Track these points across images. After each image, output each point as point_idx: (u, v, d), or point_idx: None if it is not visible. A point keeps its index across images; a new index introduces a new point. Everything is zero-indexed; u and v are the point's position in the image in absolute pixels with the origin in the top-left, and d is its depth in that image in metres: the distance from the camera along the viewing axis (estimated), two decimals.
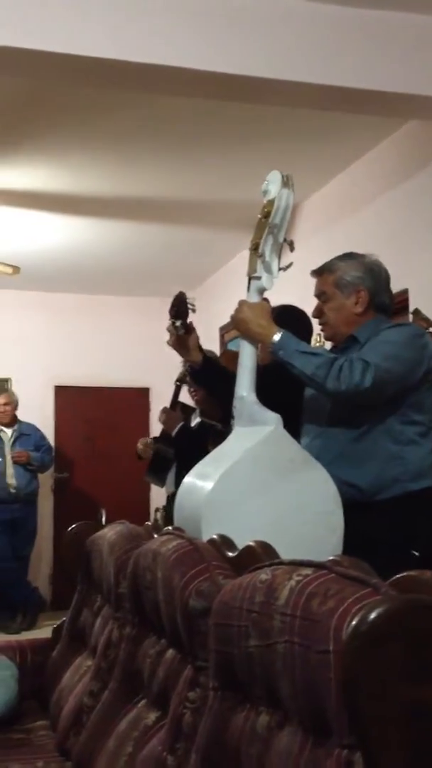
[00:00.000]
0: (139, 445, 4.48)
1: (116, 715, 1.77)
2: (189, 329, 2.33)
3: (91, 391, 7.17)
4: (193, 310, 2.33)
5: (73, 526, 2.58)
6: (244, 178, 4.48)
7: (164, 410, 4.20)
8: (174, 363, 6.46)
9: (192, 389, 4.16)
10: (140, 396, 7.30)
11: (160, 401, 7.21)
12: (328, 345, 2.51)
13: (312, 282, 2.38)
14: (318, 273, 2.35)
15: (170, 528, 1.96)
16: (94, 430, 7.19)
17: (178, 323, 2.30)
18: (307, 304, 3.11)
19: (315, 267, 2.38)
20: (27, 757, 1.96)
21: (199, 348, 2.40)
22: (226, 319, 5.80)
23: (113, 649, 1.94)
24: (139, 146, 4.18)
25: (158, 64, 2.86)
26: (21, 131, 3.99)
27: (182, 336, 2.33)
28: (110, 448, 7.15)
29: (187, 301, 2.32)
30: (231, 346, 5.83)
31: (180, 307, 2.31)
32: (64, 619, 2.51)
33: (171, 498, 4.13)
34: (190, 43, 2.89)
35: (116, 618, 1.99)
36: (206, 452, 3.24)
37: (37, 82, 3.49)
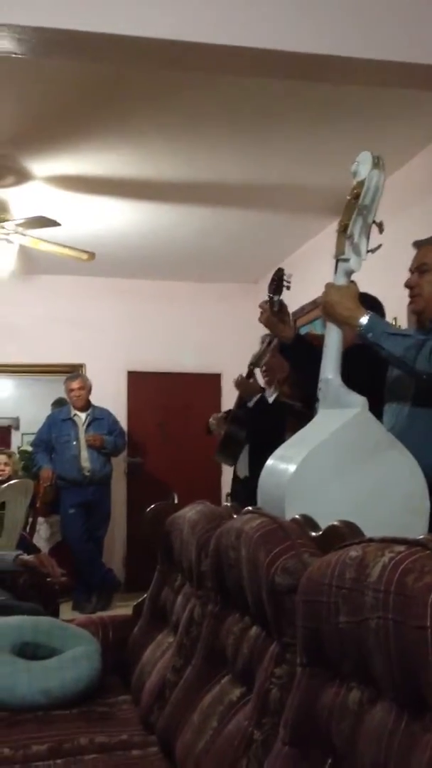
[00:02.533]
0: (212, 420, 4.51)
1: (200, 690, 1.79)
2: (282, 306, 2.36)
3: (164, 376, 7.23)
4: (288, 288, 2.35)
5: (153, 506, 2.61)
6: (322, 161, 4.44)
7: (242, 379, 4.19)
8: (246, 349, 6.49)
9: (264, 371, 4.16)
10: (212, 381, 7.33)
11: (231, 387, 7.24)
12: None
13: (392, 261, 2.35)
14: (421, 244, 2.33)
15: (251, 508, 1.97)
16: (166, 415, 7.25)
17: (276, 299, 2.33)
18: (381, 283, 3.08)
19: (392, 247, 2.36)
20: (111, 729, 2.00)
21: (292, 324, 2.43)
22: (298, 305, 5.80)
23: (196, 626, 1.96)
24: (215, 129, 4.16)
25: (236, 45, 2.84)
26: (96, 117, 4.03)
27: (276, 312, 2.35)
28: (182, 433, 7.20)
29: (284, 278, 2.35)
30: (303, 332, 5.80)
31: (278, 284, 2.35)
32: (144, 596, 2.54)
33: (243, 481, 4.14)
34: (268, 23, 2.86)
35: (198, 596, 2.01)
36: (281, 431, 3.26)
37: (112, 67, 3.50)
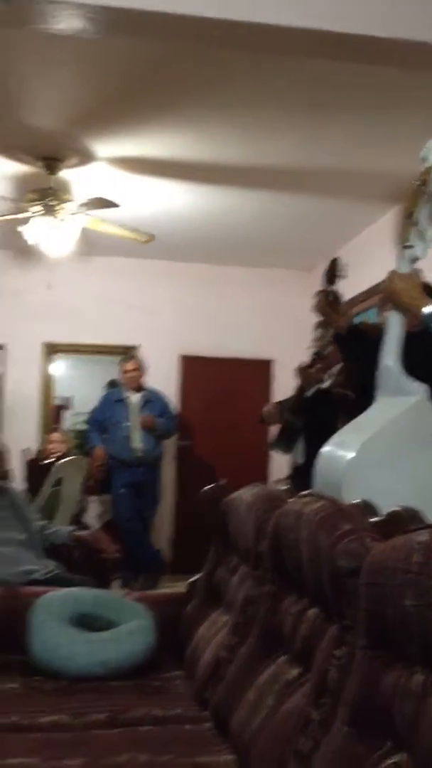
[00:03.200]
0: (267, 409, 4.52)
1: (255, 668, 1.81)
2: (337, 296, 2.35)
3: (216, 361, 7.25)
4: (343, 278, 2.35)
5: (208, 487, 2.63)
6: (385, 147, 4.39)
7: (303, 368, 4.19)
8: (298, 337, 6.47)
9: (320, 361, 4.15)
10: (263, 368, 7.33)
11: (282, 373, 7.25)
12: None
13: None
14: None
15: (307, 492, 1.98)
16: (216, 400, 7.28)
17: (331, 288, 2.32)
18: None
19: None
20: (166, 703, 2.04)
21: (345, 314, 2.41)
22: (354, 293, 5.76)
23: (252, 605, 1.98)
24: (275, 112, 4.14)
25: (297, 26, 2.81)
26: (157, 99, 4.04)
27: (331, 302, 2.34)
28: (232, 418, 7.23)
29: (340, 268, 2.35)
30: (358, 321, 5.76)
31: (334, 274, 2.34)
32: (198, 575, 2.57)
33: (299, 469, 4.14)
34: (330, 3, 2.83)
35: (255, 576, 2.03)
36: (335, 420, 3.26)
37: (171, 48, 3.50)
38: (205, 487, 2.77)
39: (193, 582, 2.60)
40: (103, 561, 3.43)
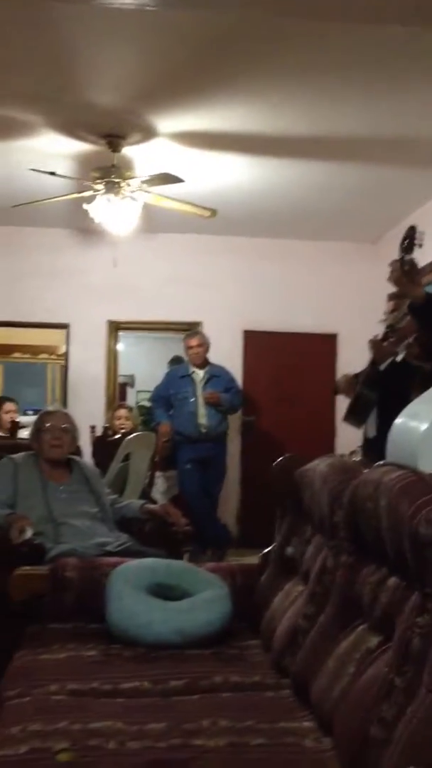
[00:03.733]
0: (340, 380, 4.48)
1: (334, 637, 1.81)
2: (413, 265, 2.30)
3: (279, 336, 7.21)
4: (420, 245, 2.30)
5: (280, 458, 2.63)
6: None
7: (376, 342, 4.13)
8: (363, 310, 6.39)
9: (393, 334, 4.08)
10: (327, 342, 7.27)
11: (347, 347, 7.18)
12: None
13: None
14: None
15: (383, 462, 1.97)
16: (281, 374, 7.25)
17: (407, 258, 2.28)
18: None
19: None
20: (243, 671, 2.06)
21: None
22: (422, 263, 5.65)
23: (328, 575, 1.98)
24: (339, 82, 4.06)
25: None
26: (220, 72, 4.00)
27: (407, 271, 2.30)
28: (296, 393, 7.21)
29: (417, 236, 2.29)
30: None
31: (410, 242, 2.29)
32: (271, 546, 2.58)
33: (371, 442, 4.11)
34: None
35: (330, 546, 2.02)
36: (408, 392, 3.21)
37: (234, 19, 3.46)
38: (277, 459, 2.77)
39: (266, 553, 2.61)
40: (174, 534, 3.46)
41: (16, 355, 10.38)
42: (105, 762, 1.52)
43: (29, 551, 3.02)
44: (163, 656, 2.15)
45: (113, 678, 2.00)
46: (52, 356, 10.42)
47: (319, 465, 2.27)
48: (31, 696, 1.88)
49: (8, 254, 7.03)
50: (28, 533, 3.10)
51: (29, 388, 11.05)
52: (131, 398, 10.09)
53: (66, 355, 7.46)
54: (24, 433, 5.76)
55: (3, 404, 6.22)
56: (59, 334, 7.74)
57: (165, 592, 2.40)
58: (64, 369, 7.73)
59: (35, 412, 9.04)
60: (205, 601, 2.30)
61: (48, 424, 3.59)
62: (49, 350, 10.32)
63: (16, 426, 5.71)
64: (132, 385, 10.91)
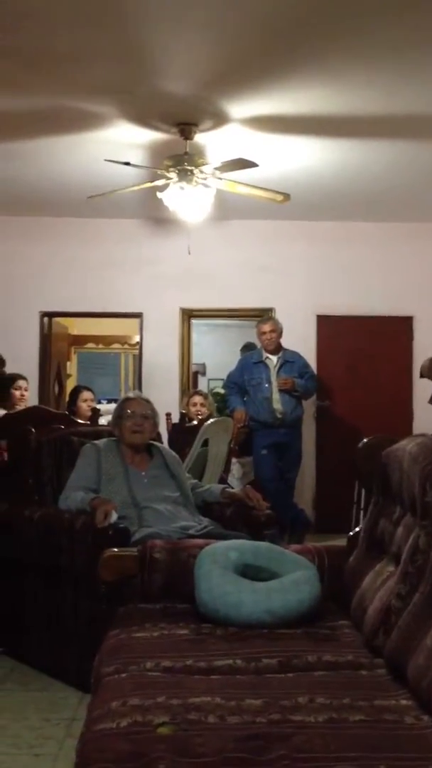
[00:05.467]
0: (426, 362, 4.43)
1: (430, 616, 1.80)
2: None
3: (353, 320, 7.15)
4: None
5: (366, 440, 2.61)
6: None
7: None
8: None
9: None
10: (403, 325, 7.17)
11: (423, 330, 7.07)
12: None
13: None
14: None
15: None
16: (355, 359, 7.19)
17: None
18: None
19: None
20: (336, 650, 2.06)
21: None
22: None
23: (421, 554, 1.96)
24: (418, 58, 3.96)
25: None
26: (293, 54, 3.94)
27: None
28: (371, 377, 7.13)
29: None
30: None
31: None
32: (358, 528, 2.57)
33: None
34: None
35: (423, 526, 2.00)
36: None
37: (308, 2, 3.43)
38: (359, 442, 2.76)
39: (353, 535, 2.60)
40: (256, 518, 3.47)
41: (90, 345, 10.56)
42: (206, 735, 1.55)
43: (114, 535, 3.07)
44: (254, 635, 2.17)
45: (206, 656, 2.02)
46: (125, 345, 10.57)
47: (409, 445, 2.25)
48: (127, 672, 1.91)
49: (83, 246, 7.15)
50: (113, 517, 3.16)
51: (102, 378, 11.25)
52: (203, 386, 10.14)
53: (140, 344, 7.54)
54: (101, 421, 5.87)
55: (80, 393, 6.34)
56: (132, 323, 7.84)
57: (253, 573, 2.41)
58: (138, 358, 7.82)
59: (109, 401, 9.24)
60: (295, 581, 2.30)
61: (129, 411, 3.64)
62: (122, 340, 10.47)
63: (96, 413, 5.82)
64: (203, 373, 10.97)
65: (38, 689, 3.16)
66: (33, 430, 3.80)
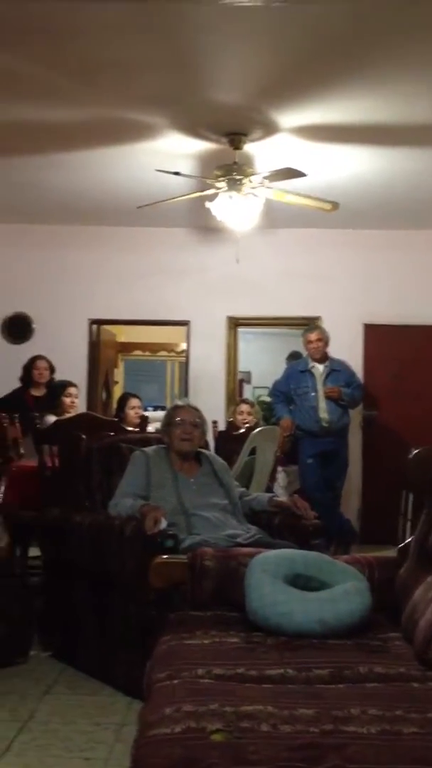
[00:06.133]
0: None
1: None
2: None
3: (401, 329, 7.09)
4: None
5: (417, 450, 2.60)
6: None
7: None
8: None
9: None
10: None
11: None
12: None
13: None
14: None
15: None
16: (403, 368, 7.13)
17: None
18: None
19: None
20: (388, 662, 2.05)
21: None
22: None
23: None
24: None
25: None
26: (343, 64, 3.94)
27: None
28: (419, 387, 7.07)
29: None
30: None
31: None
32: (409, 539, 2.55)
33: None
34: None
35: None
36: None
37: (359, 9, 3.42)
38: (407, 453, 2.74)
39: (403, 546, 2.59)
40: (304, 527, 3.47)
41: (137, 352, 10.65)
42: (260, 743, 1.56)
43: (163, 541, 3.10)
44: (304, 645, 2.17)
45: (257, 664, 2.03)
46: (171, 353, 10.65)
47: None
48: (179, 679, 1.93)
49: (131, 254, 7.23)
50: (163, 524, 3.18)
51: (148, 385, 11.33)
52: (248, 394, 10.14)
53: (186, 352, 7.59)
54: (149, 428, 5.92)
55: (128, 400, 6.39)
56: (178, 331, 7.89)
57: (303, 582, 2.42)
58: (184, 365, 7.87)
59: (155, 408, 9.30)
60: (345, 592, 2.30)
61: (178, 419, 3.67)
62: (168, 347, 10.55)
63: (145, 421, 5.87)
64: (248, 381, 10.98)
65: (87, 693, 3.20)
66: (84, 436, 3.85)
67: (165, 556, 2.78)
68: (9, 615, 3.46)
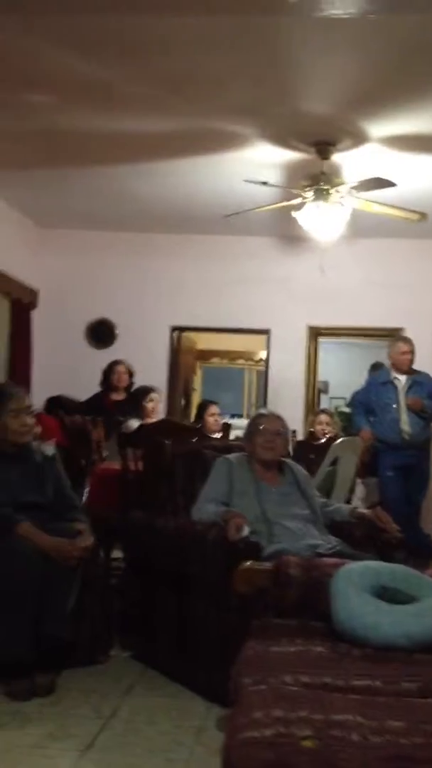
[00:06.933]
0: None
1: None
2: None
3: None
4: None
5: None
6: None
7: None
8: None
9: None
10: None
11: None
12: None
13: None
14: None
15: None
16: None
17: None
18: None
19: None
20: None
21: None
22: None
23: None
24: None
25: None
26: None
27: None
28: None
29: None
30: None
31: None
32: None
33: None
34: None
35: None
36: None
37: None
38: None
39: None
40: (387, 540, 3.44)
41: (215, 360, 10.71)
42: (349, 752, 1.56)
43: (246, 548, 3.12)
44: (391, 658, 2.15)
45: (344, 675, 2.03)
46: (249, 361, 10.67)
47: None
48: (267, 684, 1.94)
49: (215, 262, 7.30)
50: (245, 531, 3.20)
51: (225, 393, 11.35)
52: (324, 405, 10.09)
53: (266, 361, 7.60)
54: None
55: (207, 407, 6.45)
56: (257, 339, 7.92)
57: (389, 595, 2.40)
58: (263, 374, 7.89)
59: (232, 416, 9.34)
60: None
61: (262, 427, 3.69)
62: (246, 355, 10.58)
63: (228, 428, 5.92)
64: (325, 391, 10.91)
65: (167, 695, 3.23)
66: (168, 441, 3.90)
67: (249, 563, 2.79)
68: (91, 615, 3.52)
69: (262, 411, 3.92)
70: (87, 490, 4.58)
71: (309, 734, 1.64)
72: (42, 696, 3.10)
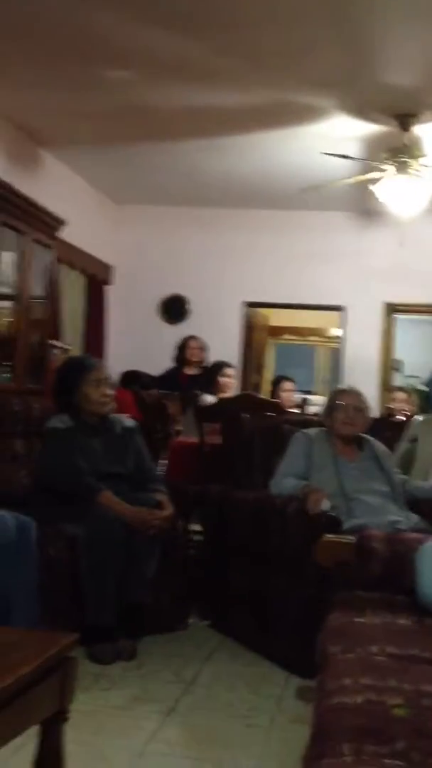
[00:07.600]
0: None
1: None
2: None
3: None
4: None
5: None
6: None
7: None
8: None
9: None
10: None
11: None
12: None
13: None
14: None
15: None
16: None
17: None
18: None
19: None
20: None
21: None
22: None
23: None
24: None
25: None
26: None
27: None
28: None
29: None
30: None
31: None
32: None
33: None
34: None
35: None
36: None
37: None
38: None
39: None
40: None
41: (287, 336, 10.66)
42: None
43: (326, 522, 3.13)
44: None
45: (431, 647, 2.03)
46: (321, 338, 10.58)
47: None
48: (354, 654, 1.96)
49: (288, 237, 7.26)
50: (326, 505, 3.21)
51: (297, 369, 11.30)
52: (398, 383, 9.95)
53: (342, 338, 7.54)
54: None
55: (281, 383, 6.45)
56: (329, 316, 7.85)
57: None
58: (336, 351, 7.83)
59: (304, 392, 9.30)
60: None
61: (341, 403, 3.67)
62: (318, 332, 10.49)
63: (304, 403, 5.92)
64: (399, 369, 10.75)
65: (246, 664, 3.28)
66: (246, 415, 3.93)
67: (331, 535, 2.80)
68: (171, 584, 3.59)
69: (342, 386, 3.91)
70: (164, 462, 4.64)
71: (401, 702, 1.65)
72: (125, 660, 3.19)
